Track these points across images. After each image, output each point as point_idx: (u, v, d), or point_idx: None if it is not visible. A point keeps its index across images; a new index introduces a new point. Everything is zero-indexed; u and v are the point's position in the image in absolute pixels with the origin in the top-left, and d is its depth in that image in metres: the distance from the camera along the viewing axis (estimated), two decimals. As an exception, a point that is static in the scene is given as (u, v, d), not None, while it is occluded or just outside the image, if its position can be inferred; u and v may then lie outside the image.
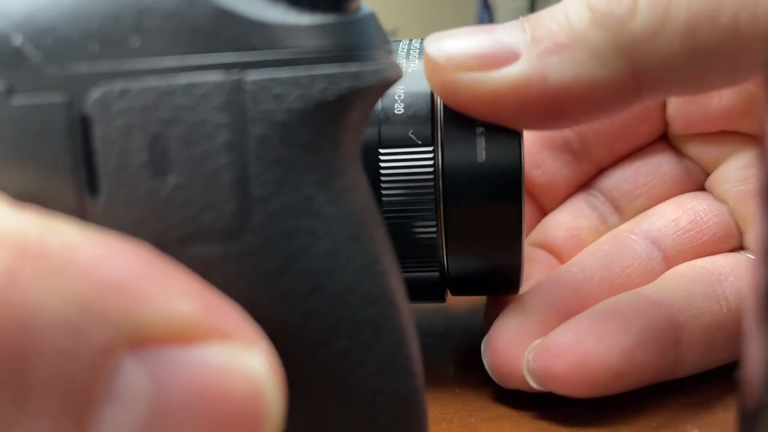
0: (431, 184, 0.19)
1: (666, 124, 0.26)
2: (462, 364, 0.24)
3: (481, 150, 0.19)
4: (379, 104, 0.20)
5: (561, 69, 0.17)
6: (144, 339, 0.09)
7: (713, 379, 0.21)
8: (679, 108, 0.25)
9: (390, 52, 0.14)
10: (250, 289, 0.11)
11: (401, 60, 0.20)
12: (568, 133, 0.25)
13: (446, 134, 0.19)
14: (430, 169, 0.19)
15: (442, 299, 0.22)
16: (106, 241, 0.10)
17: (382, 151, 0.19)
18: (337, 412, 0.12)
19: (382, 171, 0.19)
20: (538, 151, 0.25)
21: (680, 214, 0.24)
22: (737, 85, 0.21)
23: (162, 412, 0.09)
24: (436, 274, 0.20)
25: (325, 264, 0.12)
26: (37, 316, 0.09)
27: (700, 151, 0.25)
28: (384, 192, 0.19)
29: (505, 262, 0.20)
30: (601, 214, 0.25)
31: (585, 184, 0.26)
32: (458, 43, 0.18)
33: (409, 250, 0.20)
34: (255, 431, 0.10)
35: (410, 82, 0.20)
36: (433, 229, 0.19)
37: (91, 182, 0.11)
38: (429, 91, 0.20)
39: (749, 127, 0.25)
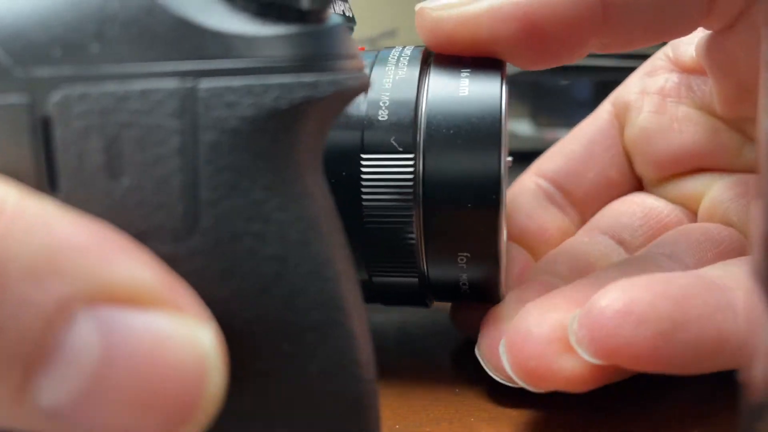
0: (411, 190, 0.19)
1: (637, 178, 0.27)
2: (462, 364, 0.24)
3: (462, 157, 0.19)
4: (364, 110, 0.20)
5: None
6: (100, 297, 0.10)
7: (713, 379, 0.21)
8: (645, 155, 0.26)
9: (357, 62, 0.14)
10: (199, 288, 0.12)
11: (389, 67, 0.21)
12: (549, 188, 0.27)
13: (428, 141, 0.19)
14: (410, 176, 0.19)
15: (424, 305, 0.22)
16: (77, 214, 0.11)
17: (363, 156, 0.20)
18: (281, 413, 0.12)
19: (363, 176, 0.19)
20: (528, 202, 0.26)
21: (691, 230, 0.24)
22: (687, 32, 0.22)
23: (107, 372, 0.10)
24: (415, 280, 0.21)
25: (273, 268, 0.12)
26: (4, 260, 0.09)
27: (678, 191, 0.26)
28: (364, 197, 0.20)
29: (484, 270, 0.20)
30: (607, 245, 0.25)
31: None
32: None
33: (389, 255, 0.20)
34: (195, 403, 0.10)
35: (396, 89, 0.20)
36: (412, 236, 0.20)
37: (51, 181, 0.12)
38: (414, 99, 0.20)
39: (720, 163, 0.25)
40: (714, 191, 0.25)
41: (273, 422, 0.12)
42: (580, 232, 0.26)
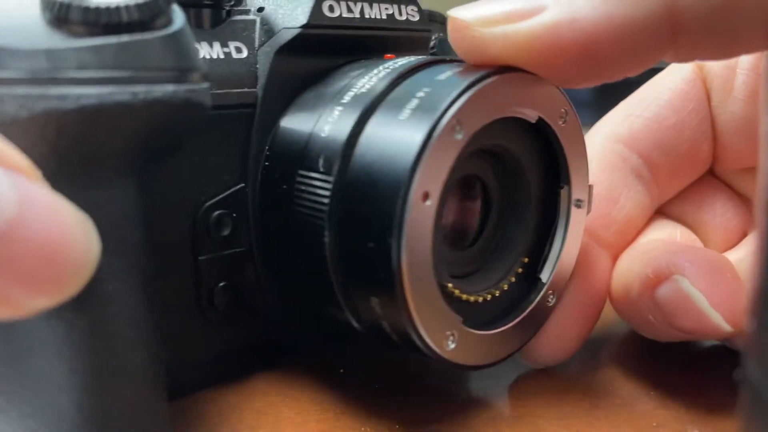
0: (324, 215, 0.18)
1: (713, 159, 0.25)
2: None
3: (372, 187, 0.17)
4: (315, 121, 0.19)
5: (592, 9, 0.17)
6: (7, 160, 0.11)
7: (713, 379, 0.21)
8: (728, 142, 0.24)
9: (189, 74, 0.14)
10: None
11: (365, 79, 0.19)
12: (634, 160, 0.24)
13: (352, 164, 0.18)
14: (326, 200, 0.18)
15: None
16: None
17: (300, 171, 0.19)
18: None
19: (296, 192, 0.19)
20: (610, 179, 0.23)
21: None
22: (759, 50, 0.18)
23: (15, 233, 0.10)
24: (344, 316, 0.19)
25: None
26: None
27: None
28: (294, 215, 0.19)
29: (399, 321, 0.17)
30: (688, 239, 0.24)
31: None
32: (484, 7, 0.18)
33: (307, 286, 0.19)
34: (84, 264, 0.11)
35: (352, 103, 0.19)
36: (328, 267, 0.18)
37: None
38: (358, 116, 0.18)
39: None
40: None
41: None
42: (662, 220, 0.25)
